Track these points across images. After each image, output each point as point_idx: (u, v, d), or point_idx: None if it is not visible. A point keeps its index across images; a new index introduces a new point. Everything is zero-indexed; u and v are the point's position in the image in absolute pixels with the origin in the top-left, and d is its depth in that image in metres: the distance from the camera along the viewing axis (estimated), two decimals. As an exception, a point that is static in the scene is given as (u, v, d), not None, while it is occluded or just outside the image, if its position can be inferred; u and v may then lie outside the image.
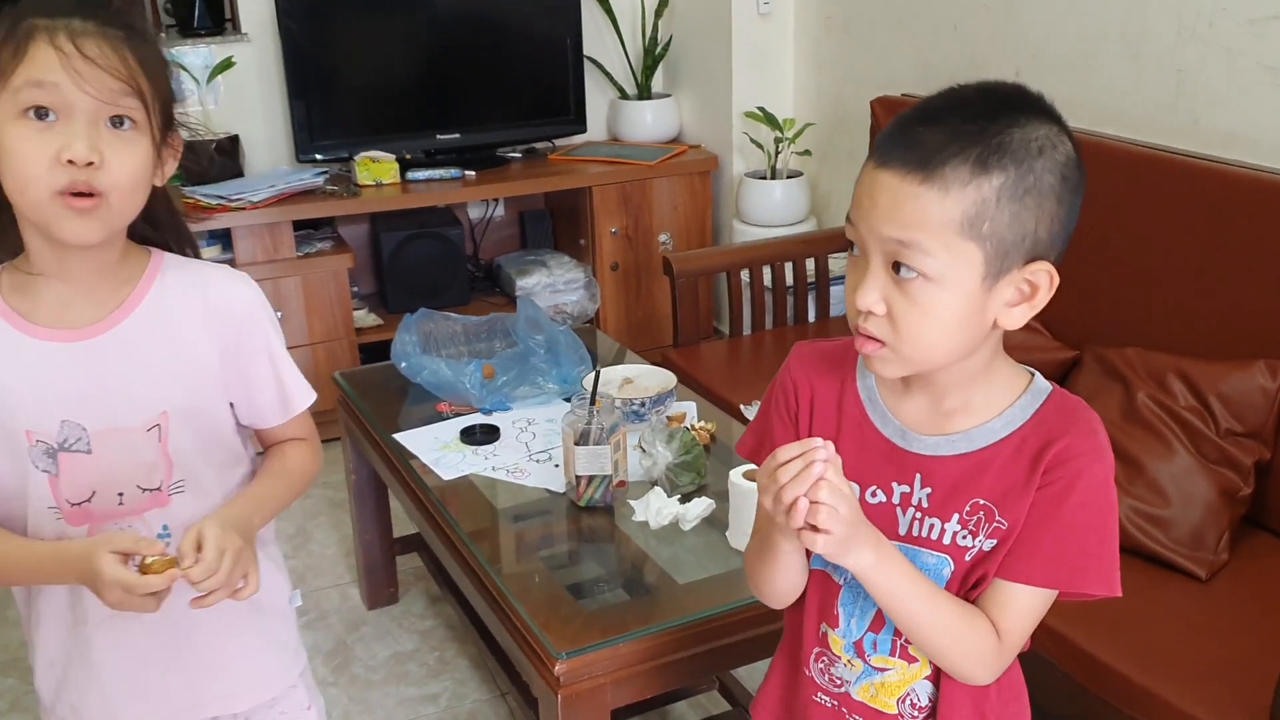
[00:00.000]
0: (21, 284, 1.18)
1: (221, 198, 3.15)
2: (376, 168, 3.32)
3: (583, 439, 1.82)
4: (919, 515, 1.05)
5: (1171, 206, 2.24)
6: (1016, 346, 2.55)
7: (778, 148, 3.46)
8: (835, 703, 1.14)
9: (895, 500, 1.06)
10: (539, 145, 3.70)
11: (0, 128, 1.10)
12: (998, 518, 1.02)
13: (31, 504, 1.20)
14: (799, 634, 1.16)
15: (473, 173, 3.42)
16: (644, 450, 1.92)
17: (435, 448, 2.05)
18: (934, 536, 1.04)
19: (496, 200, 3.74)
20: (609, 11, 3.70)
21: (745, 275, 3.09)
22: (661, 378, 2.17)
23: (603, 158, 3.60)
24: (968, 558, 1.03)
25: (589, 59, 3.70)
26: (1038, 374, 1.08)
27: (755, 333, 3.13)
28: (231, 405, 1.29)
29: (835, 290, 3.20)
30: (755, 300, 3.10)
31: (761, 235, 3.40)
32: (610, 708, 1.57)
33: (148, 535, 1.20)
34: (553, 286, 3.50)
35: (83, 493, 1.20)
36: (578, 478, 1.85)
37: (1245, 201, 2.12)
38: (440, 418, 2.18)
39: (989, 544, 1.02)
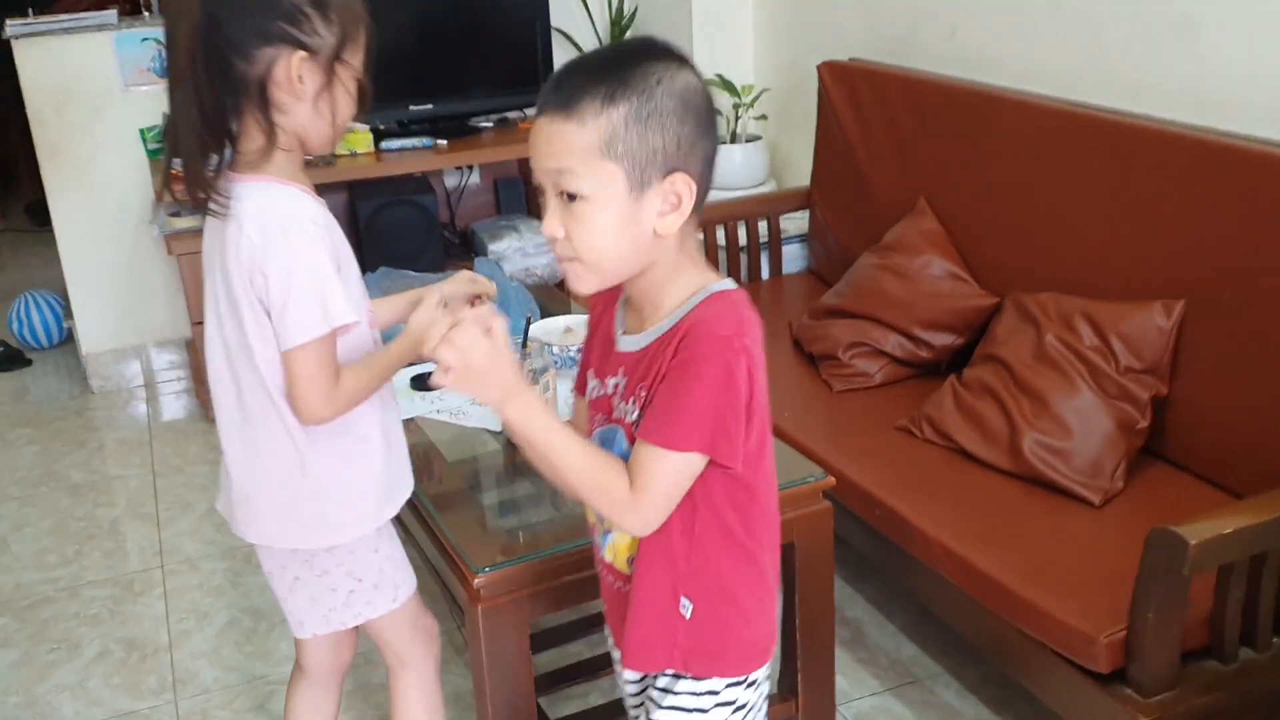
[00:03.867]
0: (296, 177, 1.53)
1: (202, 169, 3.30)
2: (351, 138, 3.47)
3: (513, 380, 1.97)
4: (619, 400, 1.27)
5: (1084, 158, 2.36)
6: (944, 294, 2.70)
7: (736, 113, 3.58)
8: (599, 568, 1.38)
9: (610, 390, 1.29)
10: (511, 115, 3.84)
11: (340, 91, 1.46)
12: (645, 393, 1.22)
13: None
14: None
15: (444, 141, 3.56)
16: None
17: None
18: (622, 416, 1.26)
19: (471, 168, 3.88)
20: (576, -17, 3.83)
21: (701, 234, 3.22)
22: (599, 326, 2.31)
23: (571, 125, 3.73)
24: (635, 431, 1.23)
25: (557, 30, 3.83)
26: (721, 280, 1.25)
27: (712, 290, 3.26)
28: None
29: (788, 249, 3.33)
30: (709, 258, 3.24)
31: (722, 198, 3.52)
32: (529, 619, 1.72)
33: None
34: (523, 250, 3.65)
35: None
36: (510, 416, 1.99)
37: (1148, 152, 2.23)
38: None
39: (639, 413, 1.23)
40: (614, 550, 1.33)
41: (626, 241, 1.18)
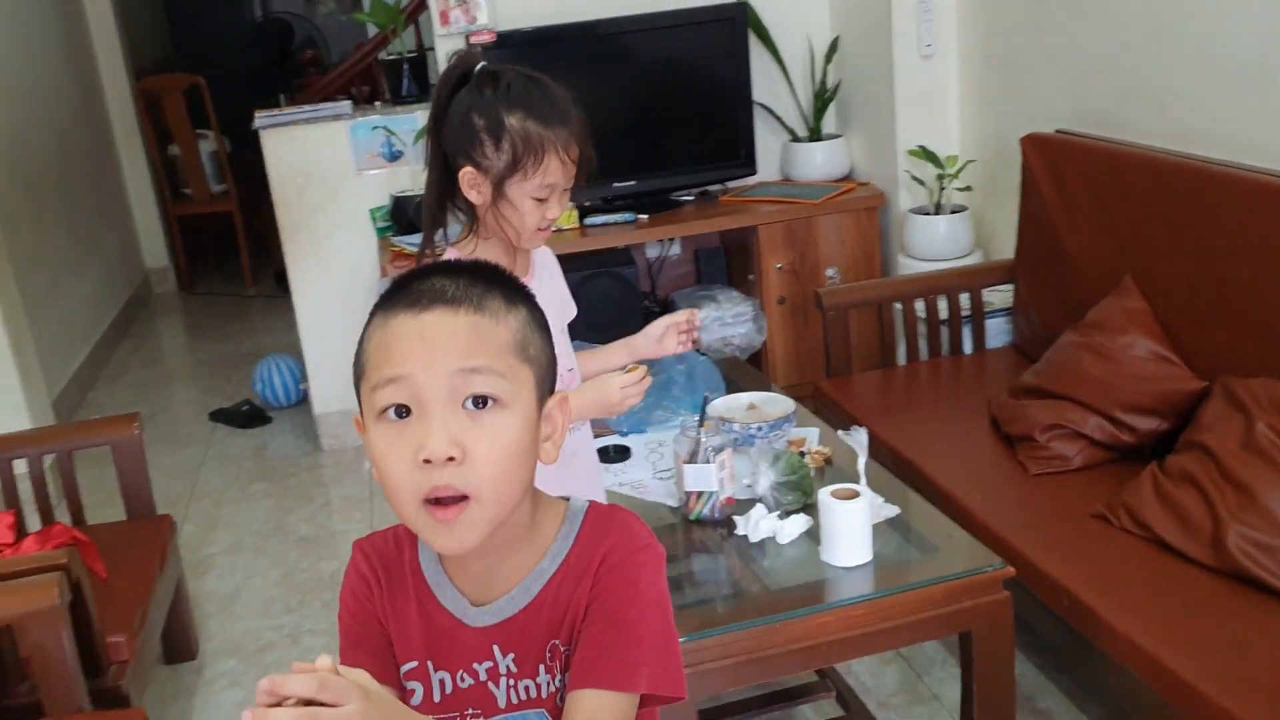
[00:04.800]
0: (480, 254, 1.73)
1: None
2: (558, 214, 3.64)
3: (691, 458, 2.03)
4: (512, 682, 1.05)
5: (1300, 236, 2.25)
6: (1149, 376, 2.61)
7: (940, 184, 3.56)
8: None
9: (484, 678, 1.05)
10: (712, 188, 3.93)
11: (516, 196, 1.70)
12: (563, 649, 1.03)
13: None
14: None
15: (645, 216, 3.69)
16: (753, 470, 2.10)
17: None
18: (531, 696, 1.04)
19: (672, 239, 3.99)
20: (779, 60, 3.90)
21: (900, 306, 3.21)
22: (782, 404, 2.34)
23: (771, 197, 3.80)
24: (560, 700, 1.03)
25: (760, 105, 3.91)
26: (571, 498, 1.09)
27: (910, 364, 3.24)
28: None
29: (991, 323, 3.27)
30: (908, 332, 3.22)
31: (926, 269, 3.50)
32: (699, 695, 1.77)
33: None
34: (721, 320, 3.71)
35: None
36: (687, 493, 2.05)
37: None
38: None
39: (562, 676, 1.03)
40: None
41: (526, 468, 1.00)
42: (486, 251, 1.76)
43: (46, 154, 4.93)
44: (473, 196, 1.72)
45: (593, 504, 1.08)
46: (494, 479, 0.96)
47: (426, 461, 0.93)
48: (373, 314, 1.01)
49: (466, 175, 1.70)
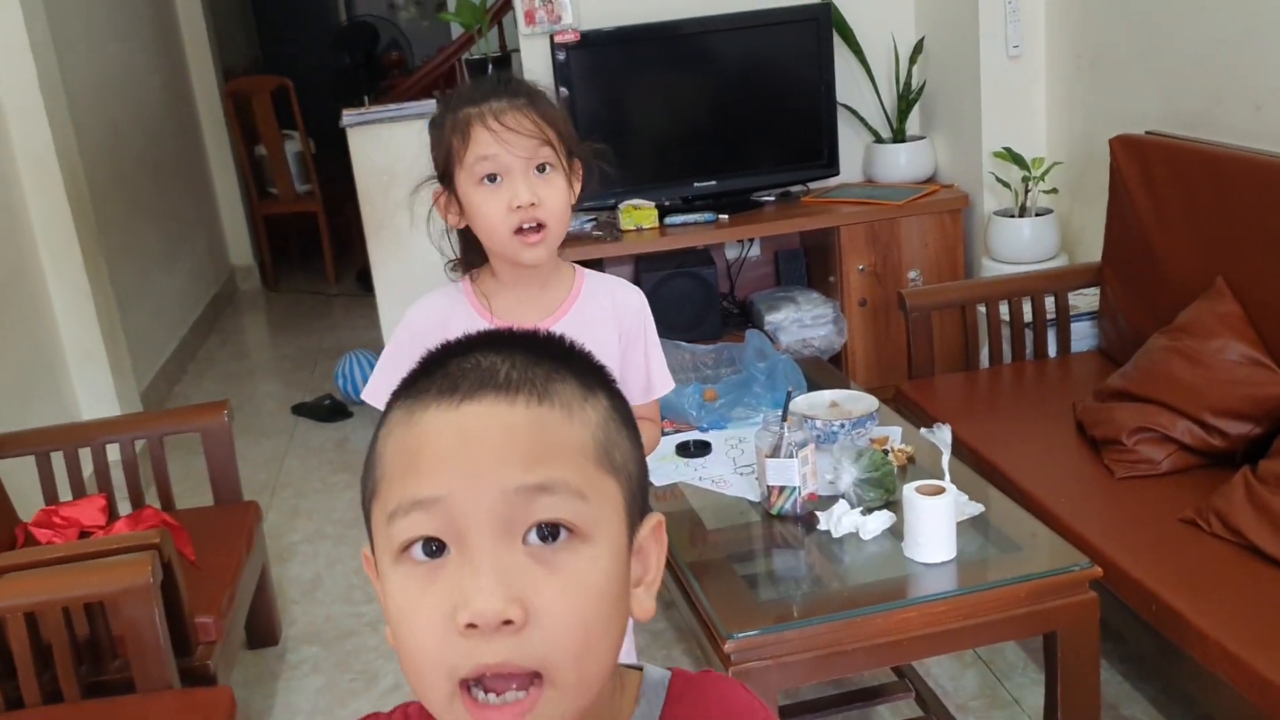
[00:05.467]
0: (490, 288, 1.62)
1: (504, 242, 3.57)
2: (638, 214, 3.66)
3: (774, 453, 2.03)
4: None
5: (1404, 237, 2.18)
6: (1241, 380, 2.57)
7: (1025, 186, 3.51)
8: None
9: None
10: (793, 189, 3.92)
11: (465, 191, 1.50)
12: None
13: None
14: None
15: (725, 216, 3.69)
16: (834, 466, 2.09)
17: (652, 460, 2.31)
18: None
19: (752, 240, 3.99)
20: (863, 61, 3.88)
21: (985, 309, 3.17)
22: (865, 403, 2.33)
23: (853, 199, 3.78)
24: None
25: (844, 105, 3.89)
26: (646, 666, 0.80)
27: (993, 367, 3.20)
28: None
29: (1076, 326, 3.22)
30: (992, 335, 3.18)
31: (1010, 272, 3.46)
32: (778, 688, 1.76)
33: None
34: (800, 321, 3.70)
35: None
36: (769, 488, 2.05)
37: None
38: (662, 434, 2.43)
39: None
40: None
41: (616, 630, 0.70)
42: (489, 281, 1.62)
43: (140, 153, 5.07)
44: (452, 221, 1.56)
45: (676, 672, 0.79)
46: (575, 651, 0.66)
47: (471, 626, 0.64)
48: (391, 404, 0.72)
49: (435, 199, 1.57)
